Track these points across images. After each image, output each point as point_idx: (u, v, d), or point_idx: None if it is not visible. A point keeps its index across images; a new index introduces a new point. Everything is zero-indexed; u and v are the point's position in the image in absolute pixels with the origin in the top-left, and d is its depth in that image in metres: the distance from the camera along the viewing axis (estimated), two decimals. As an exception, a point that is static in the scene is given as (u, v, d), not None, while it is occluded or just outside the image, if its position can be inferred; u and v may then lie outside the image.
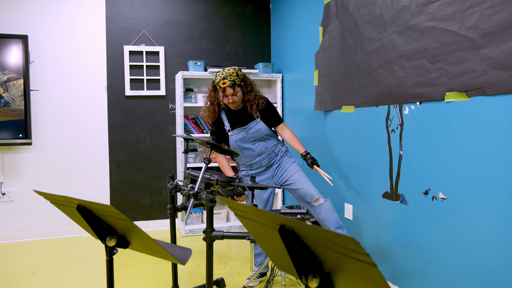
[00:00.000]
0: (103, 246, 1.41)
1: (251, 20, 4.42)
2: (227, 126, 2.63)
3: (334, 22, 3.03)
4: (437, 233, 2.12)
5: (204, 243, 1.84)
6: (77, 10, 3.88)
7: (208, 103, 2.64)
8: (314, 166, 2.60)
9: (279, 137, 2.88)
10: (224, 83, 2.47)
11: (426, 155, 2.19)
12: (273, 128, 2.77)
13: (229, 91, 2.49)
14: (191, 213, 3.97)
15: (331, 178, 2.61)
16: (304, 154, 2.64)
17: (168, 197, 2.25)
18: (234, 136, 2.61)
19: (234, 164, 4.14)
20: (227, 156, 2.70)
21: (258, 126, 2.62)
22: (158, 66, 4.11)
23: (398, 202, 2.42)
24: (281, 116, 3.93)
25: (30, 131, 3.66)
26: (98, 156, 3.99)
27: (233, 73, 2.51)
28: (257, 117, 2.63)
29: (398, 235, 2.44)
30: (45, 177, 3.85)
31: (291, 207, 2.24)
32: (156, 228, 4.14)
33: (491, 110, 1.80)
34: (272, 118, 2.71)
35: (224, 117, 2.65)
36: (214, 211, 4.02)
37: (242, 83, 2.56)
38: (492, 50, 1.77)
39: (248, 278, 2.76)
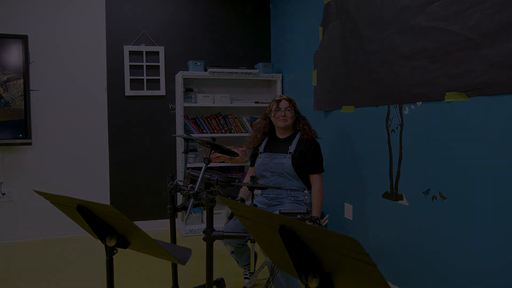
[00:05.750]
0: (103, 246, 1.41)
1: (251, 20, 4.42)
2: (261, 148, 2.61)
3: (334, 22, 3.03)
4: (437, 233, 2.12)
5: (204, 243, 1.84)
6: (77, 10, 3.88)
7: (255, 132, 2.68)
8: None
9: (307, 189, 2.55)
10: (281, 97, 2.56)
11: (426, 155, 2.19)
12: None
13: (285, 103, 2.52)
14: (191, 213, 3.97)
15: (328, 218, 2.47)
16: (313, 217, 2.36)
17: (168, 197, 2.25)
18: (260, 160, 2.55)
19: (232, 164, 4.13)
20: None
21: (283, 160, 2.47)
22: (158, 66, 4.11)
23: (398, 202, 2.42)
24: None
25: (30, 131, 3.66)
26: (98, 156, 3.99)
27: (290, 97, 2.60)
28: (290, 153, 2.48)
29: (398, 235, 2.43)
30: (45, 177, 3.84)
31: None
32: (156, 228, 4.14)
33: (491, 110, 1.79)
34: (308, 161, 2.46)
35: (264, 141, 2.64)
36: (214, 211, 4.02)
37: (297, 109, 2.60)
38: (492, 50, 1.76)
39: (248, 278, 2.76)
